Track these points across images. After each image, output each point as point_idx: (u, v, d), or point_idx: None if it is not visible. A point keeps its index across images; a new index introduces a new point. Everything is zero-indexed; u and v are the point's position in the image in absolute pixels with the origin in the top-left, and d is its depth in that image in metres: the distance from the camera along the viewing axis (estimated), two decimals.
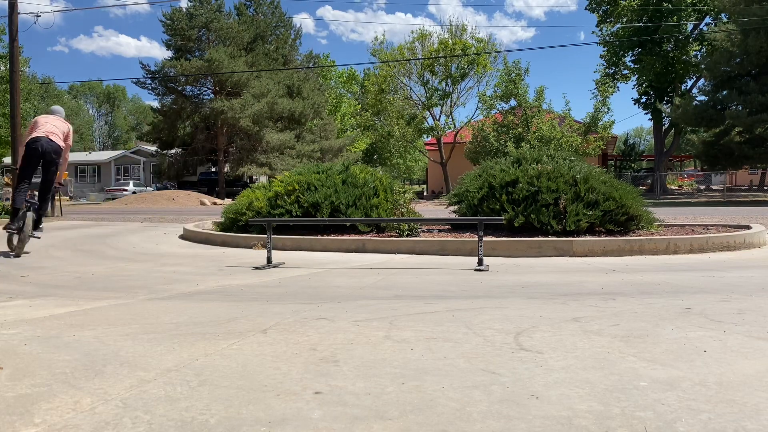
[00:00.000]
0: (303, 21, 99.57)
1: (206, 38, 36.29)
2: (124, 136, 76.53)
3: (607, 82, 27.07)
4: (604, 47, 32.54)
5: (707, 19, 31.88)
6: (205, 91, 36.91)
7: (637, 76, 32.42)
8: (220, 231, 8.18)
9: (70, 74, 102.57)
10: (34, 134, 6.30)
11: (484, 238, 5.31)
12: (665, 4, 28.88)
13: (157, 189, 37.31)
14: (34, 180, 6.46)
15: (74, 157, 49.00)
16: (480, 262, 5.06)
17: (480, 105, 28.57)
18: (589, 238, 6.26)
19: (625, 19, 30.66)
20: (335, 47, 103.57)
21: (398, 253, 6.35)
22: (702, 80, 29.94)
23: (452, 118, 34.63)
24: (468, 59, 31.81)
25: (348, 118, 45.69)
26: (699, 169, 40.44)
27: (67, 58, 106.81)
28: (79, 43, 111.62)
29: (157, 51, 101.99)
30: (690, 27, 31.45)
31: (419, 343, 2.44)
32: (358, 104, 45.34)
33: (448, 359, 2.20)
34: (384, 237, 7.00)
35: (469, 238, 6.61)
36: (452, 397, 1.78)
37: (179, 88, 35.75)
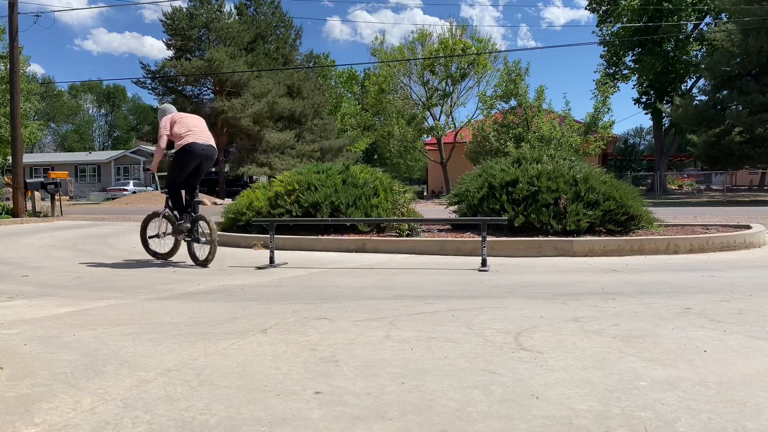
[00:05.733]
0: (335, 23, 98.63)
1: (206, 38, 36.27)
2: (124, 136, 76.42)
3: (607, 82, 27.06)
4: (604, 47, 32.57)
5: (707, 19, 31.93)
6: (206, 90, 36.91)
7: (637, 76, 32.45)
8: (220, 231, 8.17)
9: (71, 73, 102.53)
10: (196, 139, 5.60)
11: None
12: (665, 4, 28.90)
13: (158, 189, 37.29)
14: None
15: (74, 157, 49.02)
16: (483, 263, 5.05)
17: (480, 105, 28.59)
18: (589, 237, 6.26)
19: (625, 19, 30.69)
20: (357, 47, 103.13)
21: (398, 253, 6.35)
22: (702, 80, 29.99)
23: (452, 118, 34.57)
24: (468, 59, 31.79)
25: (348, 118, 45.67)
26: (699, 169, 40.40)
27: (67, 58, 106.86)
28: (80, 43, 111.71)
29: (156, 50, 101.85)
30: (690, 27, 31.49)
31: (419, 343, 2.44)
32: (358, 104, 45.31)
33: (448, 359, 2.20)
34: (384, 237, 7.00)
35: (469, 238, 6.61)
36: (452, 397, 1.78)
37: (179, 88, 35.75)
